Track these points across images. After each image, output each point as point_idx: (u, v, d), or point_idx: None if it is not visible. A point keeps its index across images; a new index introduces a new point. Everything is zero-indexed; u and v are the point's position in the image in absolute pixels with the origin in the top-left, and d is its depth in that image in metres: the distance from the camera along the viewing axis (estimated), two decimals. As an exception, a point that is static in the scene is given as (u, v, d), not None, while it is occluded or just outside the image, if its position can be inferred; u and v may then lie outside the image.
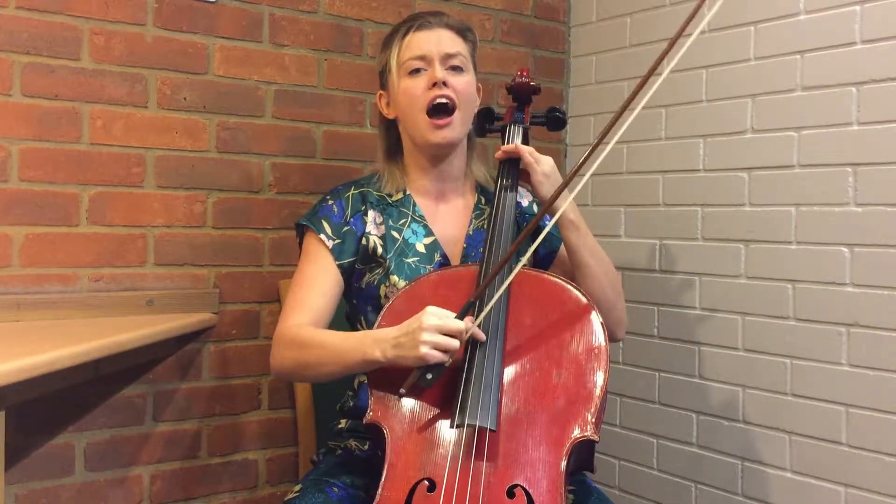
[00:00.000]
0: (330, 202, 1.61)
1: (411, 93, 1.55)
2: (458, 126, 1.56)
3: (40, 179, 1.75)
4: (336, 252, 1.57)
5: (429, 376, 1.31)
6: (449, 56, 1.55)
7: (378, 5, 2.17)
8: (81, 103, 1.79)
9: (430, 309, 1.32)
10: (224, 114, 1.95)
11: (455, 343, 1.29)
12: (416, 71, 1.55)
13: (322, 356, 1.43)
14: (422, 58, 1.54)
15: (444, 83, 1.53)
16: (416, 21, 1.58)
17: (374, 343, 1.35)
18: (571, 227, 1.54)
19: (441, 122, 1.54)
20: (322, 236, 1.57)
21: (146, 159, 1.86)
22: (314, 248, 1.58)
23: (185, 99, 1.90)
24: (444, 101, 1.53)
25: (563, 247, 1.61)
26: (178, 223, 1.91)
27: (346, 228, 1.58)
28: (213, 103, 1.94)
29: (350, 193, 1.62)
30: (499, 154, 1.59)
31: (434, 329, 1.29)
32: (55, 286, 1.76)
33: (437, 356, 1.29)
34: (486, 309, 1.34)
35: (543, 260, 1.68)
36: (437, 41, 1.55)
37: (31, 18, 1.73)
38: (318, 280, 1.55)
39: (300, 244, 1.63)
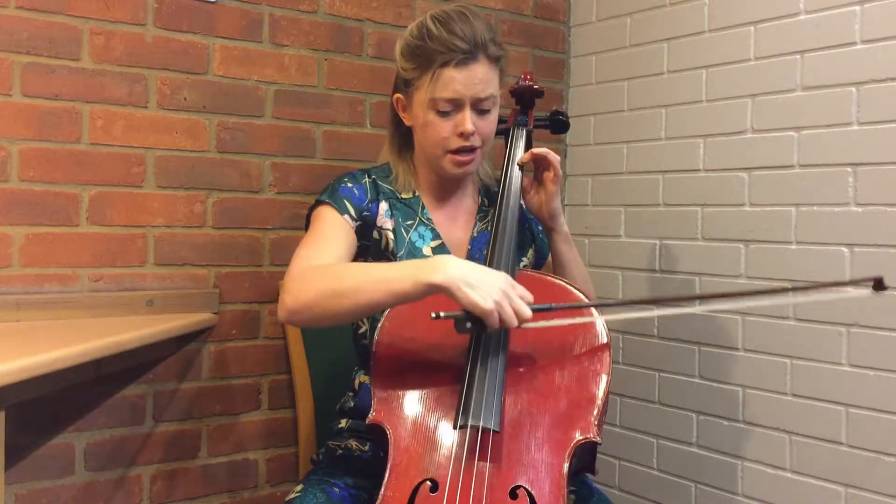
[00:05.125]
0: (349, 184, 1.58)
1: (437, 132, 1.52)
2: (478, 160, 1.57)
3: (40, 179, 1.75)
4: (358, 234, 1.55)
5: (469, 325, 1.28)
6: (481, 100, 1.51)
7: (378, 5, 2.16)
8: (81, 103, 1.78)
9: (510, 279, 1.31)
10: (224, 114, 1.95)
11: (515, 321, 1.27)
12: (446, 112, 1.51)
13: (362, 282, 1.34)
14: (454, 101, 1.50)
15: (473, 133, 1.52)
16: (455, 54, 1.47)
17: (433, 270, 1.29)
18: (567, 240, 1.63)
19: (463, 159, 1.54)
20: (346, 217, 1.54)
21: (146, 159, 1.86)
22: (335, 220, 1.54)
23: (185, 99, 1.90)
24: (468, 147, 1.53)
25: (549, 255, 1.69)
26: (178, 223, 1.90)
27: (365, 213, 1.57)
28: (213, 103, 1.93)
29: (366, 180, 1.60)
30: (525, 158, 1.57)
31: (510, 296, 1.28)
32: (55, 286, 1.76)
33: (495, 319, 1.26)
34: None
35: (535, 266, 1.70)
36: (472, 83, 1.49)
37: (31, 18, 1.73)
38: (339, 241, 1.51)
39: (308, 225, 1.58)
